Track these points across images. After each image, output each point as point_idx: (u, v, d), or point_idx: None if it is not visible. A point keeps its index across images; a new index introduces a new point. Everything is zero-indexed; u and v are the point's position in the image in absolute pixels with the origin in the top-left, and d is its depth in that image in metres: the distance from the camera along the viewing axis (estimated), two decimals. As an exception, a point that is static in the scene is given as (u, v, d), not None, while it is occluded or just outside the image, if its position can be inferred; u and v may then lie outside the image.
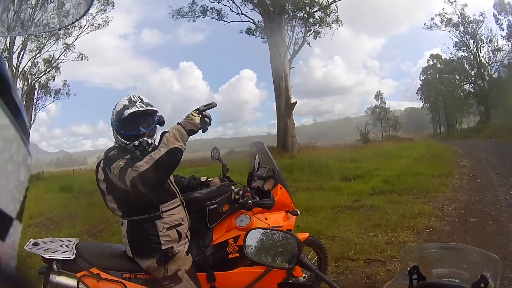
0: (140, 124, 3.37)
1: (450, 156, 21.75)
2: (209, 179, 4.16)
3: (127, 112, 3.24)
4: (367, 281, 5.17)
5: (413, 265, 1.56)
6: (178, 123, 3.20)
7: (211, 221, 3.72)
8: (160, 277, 3.30)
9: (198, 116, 3.22)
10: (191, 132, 3.19)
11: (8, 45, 29.98)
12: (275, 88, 29.70)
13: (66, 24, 1.11)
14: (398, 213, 8.49)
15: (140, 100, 3.38)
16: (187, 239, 3.51)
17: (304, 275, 4.16)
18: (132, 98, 3.39)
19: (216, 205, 3.72)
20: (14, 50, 31.13)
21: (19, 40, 30.28)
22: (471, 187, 11.56)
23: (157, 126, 3.55)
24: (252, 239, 2.03)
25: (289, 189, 4.39)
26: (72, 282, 3.25)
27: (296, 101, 29.82)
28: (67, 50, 34.00)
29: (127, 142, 3.35)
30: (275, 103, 30.01)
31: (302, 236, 4.25)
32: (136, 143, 3.34)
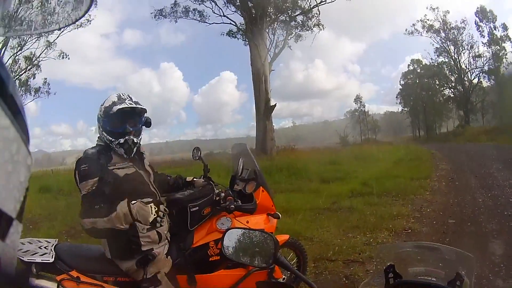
0: (127, 122, 3.37)
1: (429, 159, 21.86)
2: (194, 179, 4.13)
3: (116, 108, 3.23)
4: (346, 281, 5.22)
5: (388, 264, 1.60)
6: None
7: (192, 223, 3.72)
8: (139, 279, 3.27)
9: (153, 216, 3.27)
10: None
11: (-11, 41, 29.67)
12: (255, 91, 29.58)
13: (66, 24, 1.12)
14: (377, 215, 8.57)
15: (129, 98, 3.38)
16: (167, 240, 3.50)
17: (284, 276, 4.15)
18: (121, 95, 3.39)
19: (197, 208, 3.73)
20: (-5, 47, 30.71)
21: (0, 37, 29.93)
22: (450, 190, 11.68)
23: (143, 127, 3.55)
24: (230, 239, 2.06)
25: (271, 192, 4.41)
26: (52, 285, 3.11)
27: (275, 104, 29.80)
28: (48, 48, 33.59)
29: (112, 139, 3.33)
30: (254, 106, 29.98)
31: (282, 238, 4.31)
32: (122, 140, 3.33)
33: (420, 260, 1.70)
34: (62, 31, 32.94)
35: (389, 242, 6.61)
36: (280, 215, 4.20)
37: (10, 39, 30.88)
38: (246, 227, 3.71)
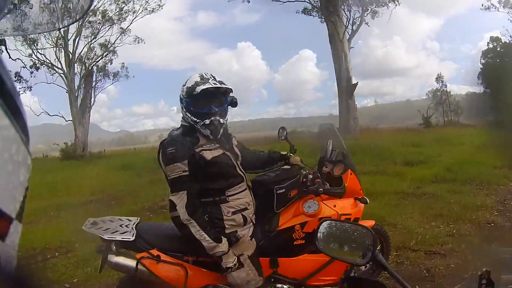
0: (212, 102, 3.27)
1: (513, 146, 20.82)
2: (290, 154, 4.00)
3: (199, 88, 3.16)
4: (426, 274, 5.06)
5: (484, 270, 1.53)
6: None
7: (278, 205, 3.65)
8: (221, 261, 3.24)
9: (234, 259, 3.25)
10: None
11: (63, 33, 30.80)
12: (335, 69, 28.88)
13: (67, 24, 1.13)
14: (460, 203, 8.21)
15: (212, 78, 3.30)
16: (252, 223, 3.48)
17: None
18: (204, 75, 3.32)
19: (284, 190, 3.63)
20: (69, 37, 31.95)
21: (73, 28, 30.85)
22: (536, 181, 10.99)
23: (229, 107, 3.46)
24: (325, 231, 1.99)
25: (358, 175, 4.26)
26: (131, 263, 3.28)
27: (357, 82, 29.06)
28: (122, 34, 34.49)
29: (197, 120, 3.26)
30: (336, 84, 29.33)
31: (368, 223, 4.12)
32: (207, 121, 3.24)
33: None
34: (135, 18, 33.78)
35: (471, 236, 6.36)
36: (367, 200, 4.05)
37: (83, 30, 32.00)
38: (335, 212, 3.74)
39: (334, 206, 3.81)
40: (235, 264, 3.22)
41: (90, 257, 5.49)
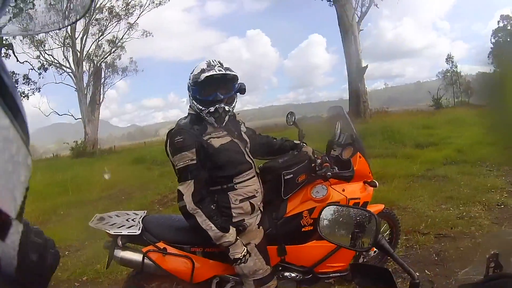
0: (218, 89, 3.26)
1: (525, 125, 20.65)
2: (302, 144, 3.93)
3: (204, 75, 3.14)
4: (436, 258, 5.05)
5: (493, 252, 1.51)
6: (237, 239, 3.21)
7: (286, 192, 3.62)
8: (229, 252, 3.22)
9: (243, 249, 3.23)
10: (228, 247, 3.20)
11: (69, 32, 31.15)
12: (345, 52, 28.72)
13: (67, 24, 1.12)
14: (471, 185, 8.19)
15: (219, 65, 3.27)
16: (259, 211, 3.47)
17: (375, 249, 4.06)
18: (211, 62, 3.29)
19: (292, 175, 3.61)
20: (76, 36, 32.22)
21: (80, 26, 31.02)
22: (547, 162, 10.92)
23: (238, 94, 3.45)
24: (327, 216, 1.95)
25: (368, 159, 4.20)
26: (137, 257, 3.29)
27: (367, 65, 28.86)
28: (130, 29, 34.76)
29: (203, 108, 3.25)
30: (346, 67, 29.16)
31: (377, 208, 4.14)
32: (212, 109, 3.23)
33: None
34: (142, 12, 33.88)
35: (481, 218, 6.30)
36: (377, 184, 3.99)
37: (90, 27, 32.15)
38: (343, 197, 3.72)
39: (343, 190, 3.79)
40: (244, 256, 3.21)
41: (99, 254, 5.49)
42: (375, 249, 3.91)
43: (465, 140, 13.79)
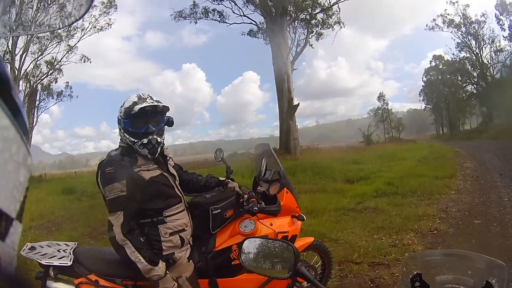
0: (150, 121, 3.29)
1: (453, 158, 21.73)
2: (227, 180, 4.00)
3: (137, 107, 3.15)
4: (371, 285, 5.16)
5: (415, 273, 1.56)
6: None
7: (214, 226, 3.64)
8: (158, 286, 3.18)
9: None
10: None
11: (10, 47, 30.14)
12: (277, 90, 29.80)
13: (67, 24, 1.09)
14: (402, 215, 8.47)
15: (150, 97, 3.31)
16: (189, 245, 3.46)
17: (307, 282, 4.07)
18: (142, 95, 3.32)
19: (219, 210, 3.64)
20: (16, 52, 31.23)
21: (21, 42, 30.37)
22: (475, 189, 11.52)
23: (166, 126, 3.47)
24: (249, 248, 2.03)
25: (295, 193, 4.30)
26: None
27: (298, 103, 30.03)
28: (69, 52, 34.13)
29: (135, 140, 3.24)
30: (277, 105, 30.13)
31: (307, 240, 4.23)
32: (145, 141, 3.24)
33: (448, 268, 1.64)
34: (83, 35, 33.47)
35: (415, 244, 6.55)
36: (304, 217, 4.08)
37: (31, 45, 31.43)
38: (272, 231, 3.76)
39: (271, 224, 3.86)
40: None
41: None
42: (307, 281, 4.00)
43: (395, 173, 14.39)
